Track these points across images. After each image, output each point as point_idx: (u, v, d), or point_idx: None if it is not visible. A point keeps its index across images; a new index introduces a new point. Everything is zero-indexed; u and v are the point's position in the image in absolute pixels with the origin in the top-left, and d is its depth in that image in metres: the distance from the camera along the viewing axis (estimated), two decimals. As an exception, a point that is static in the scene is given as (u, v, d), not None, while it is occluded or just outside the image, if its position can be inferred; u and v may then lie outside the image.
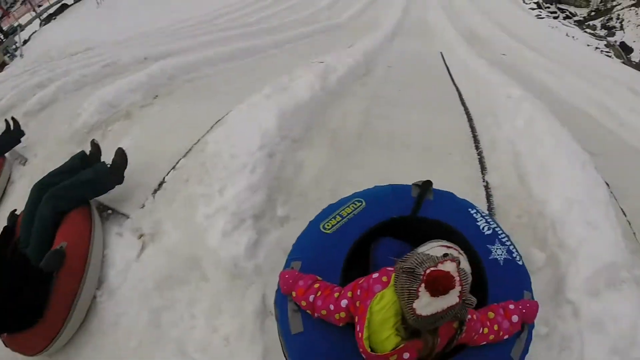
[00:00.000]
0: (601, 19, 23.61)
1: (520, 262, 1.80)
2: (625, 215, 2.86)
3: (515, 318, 1.57)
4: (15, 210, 2.79)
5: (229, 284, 2.26)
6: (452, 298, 1.16)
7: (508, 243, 1.83)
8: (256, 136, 2.91)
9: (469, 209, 1.93)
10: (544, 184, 2.73)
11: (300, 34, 9.11)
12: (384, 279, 1.39)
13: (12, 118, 4.12)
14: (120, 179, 2.87)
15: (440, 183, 2.02)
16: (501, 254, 1.77)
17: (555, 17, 23.32)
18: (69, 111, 4.20)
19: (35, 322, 2.14)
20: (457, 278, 1.16)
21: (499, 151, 3.36)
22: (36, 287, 2.17)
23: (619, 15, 23.03)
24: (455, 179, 2.97)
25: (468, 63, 6.71)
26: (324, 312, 1.49)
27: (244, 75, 5.68)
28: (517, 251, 1.83)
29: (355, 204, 1.87)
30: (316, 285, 1.55)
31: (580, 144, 3.12)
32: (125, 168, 2.89)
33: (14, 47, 16.15)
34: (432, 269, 1.17)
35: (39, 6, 20.18)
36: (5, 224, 2.70)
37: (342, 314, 1.46)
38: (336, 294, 1.49)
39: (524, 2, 23.98)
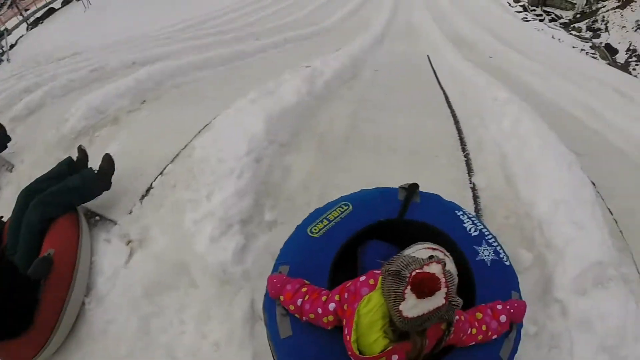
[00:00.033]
0: (586, 21, 23.90)
1: (507, 263, 1.81)
2: (612, 214, 2.90)
3: (503, 318, 1.57)
4: (1, 217, 2.74)
5: (217, 290, 2.26)
6: (438, 300, 1.16)
7: (495, 244, 1.84)
8: (243, 141, 2.92)
9: (456, 211, 1.95)
10: (530, 185, 2.76)
11: (287, 38, 9.12)
12: (371, 281, 1.39)
13: None
14: (107, 185, 2.85)
15: (427, 186, 2.04)
16: (488, 255, 1.78)
17: (541, 20, 23.56)
18: (57, 116, 4.15)
19: (23, 330, 2.11)
20: (443, 280, 1.17)
21: (485, 153, 3.40)
22: (24, 295, 2.14)
23: (604, 17, 23.35)
24: (442, 181, 2.99)
25: (455, 66, 6.77)
26: (312, 315, 1.49)
27: (232, 80, 5.67)
28: (504, 252, 1.84)
29: (342, 208, 1.88)
30: (304, 289, 1.55)
31: (566, 145, 3.16)
32: (113, 174, 2.86)
33: (0, 51, 15.96)
34: (417, 271, 1.18)
35: (26, 10, 19.96)
36: (-8, 232, 2.66)
37: (330, 318, 1.46)
38: (324, 298, 1.49)
39: (510, 5, 24.22)
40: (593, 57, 18.17)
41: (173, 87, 4.99)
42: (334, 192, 2.12)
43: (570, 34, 22.26)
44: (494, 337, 1.56)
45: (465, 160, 3.36)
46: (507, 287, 1.74)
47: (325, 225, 1.81)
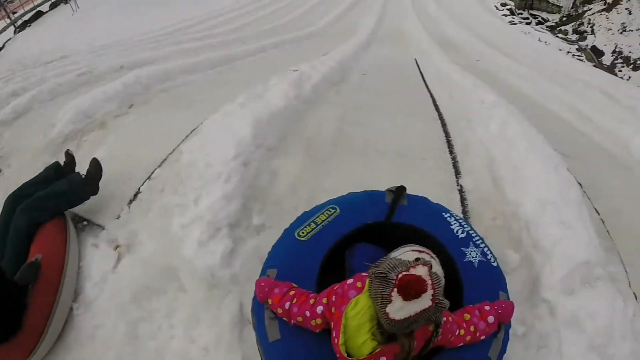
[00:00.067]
0: (572, 24, 24.20)
1: (494, 264, 1.83)
2: (599, 214, 2.94)
3: (491, 319, 1.59)
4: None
5: (206, 294, 2.24)
6: (424, 301, 1.17)
7: (482, 245, 1.86)
8: (231, 145, 2.92)
9: (443, 213, 1.96)
10: (517, 186, 2.79)
11: (276, 42, 9.14)
12: (359, 284, 1.40)
13: None
14: (95, 190, 2.82)
15: (414, 188, 2.05)
16: (475, 256, 1.80)
17: (527, 23, 23.80)
18: (44, 121, 4.11)
19: (11, 335, 2.07)
20: (429, 282, 1.18)
21: (472, 155, 3.43)
22: (12, 300, 2.11)
23: (589, 20, 23.67)
24: (430, 184, 3.01)
25: (442, 69, 6.82)
26: (300, 318, 1.49)
27: (220, 84, 5.65)
28: (491, 253, 1.85)
29: (330, 211, 1.89)
30: (292, 293, 1.55)
31: (554, 147, 3.20)
32: (100, 178, 2.84)
33: (-13, 55, 15.75)
34: (404, 273, 1.18)
35: (14, 13, 19.74)
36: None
37: (318, 320, 1.46)
38: (312, 301, 1.49)
39: (497, 9, 24.47)
40: (579, 60, 18.39)
41: (161, 91, 4.96)
42: (322, 196, 2.13)
43: (557, 36, 22.52)
44: (482, 337, 1.57)
45: (453, 163, 3.38)
46: (494, 287, 1.76)
47: (312, 229, 1.82)
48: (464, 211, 2.80)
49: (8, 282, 2.15)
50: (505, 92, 5.05)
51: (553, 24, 24.81)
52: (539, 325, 2.12)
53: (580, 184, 3.02)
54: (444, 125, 4.13)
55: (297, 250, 1.76)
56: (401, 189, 1.98)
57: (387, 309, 1.18)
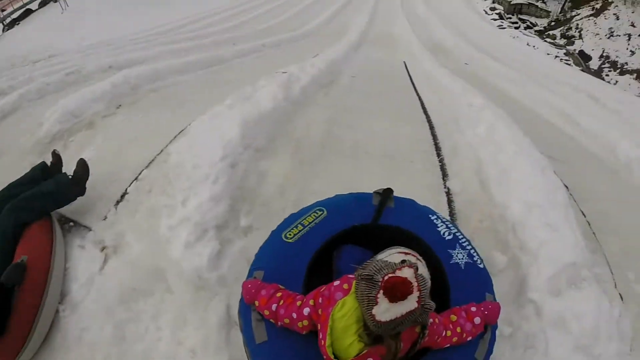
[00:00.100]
0: (561, 28, 24.55)
1: (481, 265, 1.84)
2: (585, 217, 2.98)
3: (477, 320, 1.59)
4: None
5: (193, 296, 2.23)
6: (410, 303, 1.17)
7: (469, 247, 1.86)
8: (218, 146, 2.91)
9: (430, 215, 1.97)
10: (504, 189, 2.82)
11: (270, 42, 9.13)
12: (345, 286, 1.40)
13: None
14: (82, 191, 2.79)
15: (402, 191, 2.06)
16: (462, 258, 1.81)
17: (516, 28, 24.13)
18: (31, 120, 4.07)
19: None
20: (415, 284, 1.18)
21: (460, 158, 3.46)
22: None
23: (577, 25, 24.01)
24: (418, 186, 3.03)
25: (431, 72, 6.87)
26: (286, 320, 1.49)
27: (209, 84, 5.64)
28: (478, 255, 1.86)
29: (317, 213, 1.89)
30: (278, 294, 1.55)
31: (542, 150, 3.23)
32: (87, 179, 2.81)
33: (-25, 53, 15.54)
34: (390, 275, 1.18)
35: (2, 11, 19.50)
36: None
37: (305, 322, 1.46)
38: (298, 303, 1.49)
39: (486, 13, 24.74)
40: (567, 64, 18.66)
41: (151, 92, 4.93)
42: (310, 198, 2.12)
43: (545, 41, 22.83)
44: (469, 338, 1.58)
45: (440, 165, 3.41)
46: (481, 289, 1.76)
47: (300, 231, 1.81)
48: (451, 213, 2.82)
49: (-7, 283, 2.12)
50: (494, 96, 5.11)
51: (541, 28, 25.14)
52: (526, 326, 2.14)
53: (567, 187, 3.06)
54: (431, 128, 4.16)
55: (284, 252, 1.76)
56: (388, 191, 1.99)
57: (373, 311, 1.18)
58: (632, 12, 22.65)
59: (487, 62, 9.60)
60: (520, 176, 2.87)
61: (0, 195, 2.57)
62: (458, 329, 1.54)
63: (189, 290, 2.24)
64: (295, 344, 1.52)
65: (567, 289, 2.19)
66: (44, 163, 2.86)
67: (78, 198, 2.77)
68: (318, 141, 3.60)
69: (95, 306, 2.34)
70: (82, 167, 2.79)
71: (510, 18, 25.11)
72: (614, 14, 23.22)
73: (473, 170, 3.21)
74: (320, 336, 1.36)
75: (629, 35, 21.89)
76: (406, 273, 1.19)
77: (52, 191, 2.60)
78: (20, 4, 19.95)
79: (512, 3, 25.61)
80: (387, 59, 8.60)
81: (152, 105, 4.55)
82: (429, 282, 1.29)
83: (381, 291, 1.17)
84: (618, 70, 20.55)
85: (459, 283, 1.74)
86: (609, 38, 22.27)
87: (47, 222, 2.54)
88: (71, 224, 2.79)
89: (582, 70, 18.14)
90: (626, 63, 20.76)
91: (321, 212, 1.89)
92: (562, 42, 23.24)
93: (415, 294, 1.18)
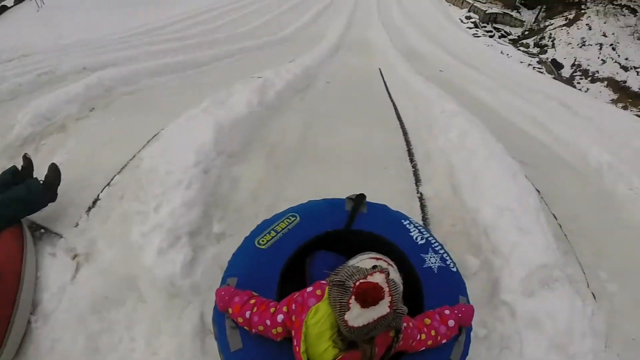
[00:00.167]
0: (534, 37, 25.26)
1: (454, 269, 1.86)
2: (557, 219, 3.05)
3: (451, 322, 1.61)
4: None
5: (166, 303, 2.19)
6: (382, 308, 1.18)
7: (442, 251, 1.89)
8: (191, 152, 2.89)
9: (402, 220, 1.99)
10: (476, 193, 2.87)
11: (243, 47, 9.10)
12: (318, 292, 1.40)
13: None
14: (53, 196, 2.71)
15: (376, 196, 2.07)
16: (435, 262, 1.83)
17: (491, 36, 24.72)
18: (2, 122, 3.93)
19: None
20: (387, 289, 1.19)
21: (433, 164, 3.51)
22: None
23: (551, 34, 24.73)
24: (391, 192, 3.05)
25: (406, 79, 6.91)
26: (261, 327, 1.48)
27: (184, 88, 5.56)
28: (450, 258, 1.89)
29: (290, 219, 1.88)
30: (252, 301, 1.53)
31: (514, 155, 3.30)
32: (59, 184, 2.73)
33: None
34: (361, 281, 1.19)
35: (-24, 7, 18.94)
36: None
37: (279, 329, 1.45)
38: (272, 309, 1.48)
39: (462, 21, 25.24)
40: (540, 72, 19.14)
41: (125, 94, 4.83)
42: (283, 204, 2.13)
43: (519, 49, 23.44)
44: (444, 341, 1.60)
45: (413, 171, 3.46)
46: (454, 292, 1.79)
47: (272, 237, 1.81)
48: (424, 218, 2.85)
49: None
50: (468, 103, 5.17)
51: (515, 37, 25.82)
52: (500, 327, 2.18)
53: (538, 191, 3.13)
54: (405, 134, 4.21)
55: (257, 259, 1.75)
56: (361, 197, 2.00)
57: (346, 317, 1.18)
58: (604, 23, 23.49)
59: (462, 69, 9.72)
60: (492, 181, 2.92)
61: None
62: (432, 332, 1.55)
63: (162, 298, 2.20)
64: (269, 350, 1.51)
65: (540, 290, 2.24)
66: (14, 167, 2.77)
67: (49, 204, 2.70)
68: (292, 146, 3.60)
69: (67, 316, 2.27)
70: (54, 172, 2.71)
71: (485, 27, 25.73)
72: (587, 24, 24.01)
73: (446, 176, 3.26)
74: (295, 342, 1.36)
75: (601, 45, 22.67)
76: (377, 278, 1.20)
77: (24, 197, 2.52)
78: (-5, -1, 19.44)
79: (487, 12, 26.27)
80: (363, 66, 8.61)
81: (126, 108, 4.46)
82: (401, 286, 1.30)
83: (353, 297, 1.18)
84: (589, 78, 21.23)
85: (432, 287, 1.76)
86: (580, 47, 22.99)
87: (17, 229, 2.45)
88: (42, 231, 2.71)
89: (554, 78, 18.63)
90: (597, 71, 21.47)
91: (294, 218, 1.89)
92: (535, 50, 23.90)
93: (387, 299, 1.18)
